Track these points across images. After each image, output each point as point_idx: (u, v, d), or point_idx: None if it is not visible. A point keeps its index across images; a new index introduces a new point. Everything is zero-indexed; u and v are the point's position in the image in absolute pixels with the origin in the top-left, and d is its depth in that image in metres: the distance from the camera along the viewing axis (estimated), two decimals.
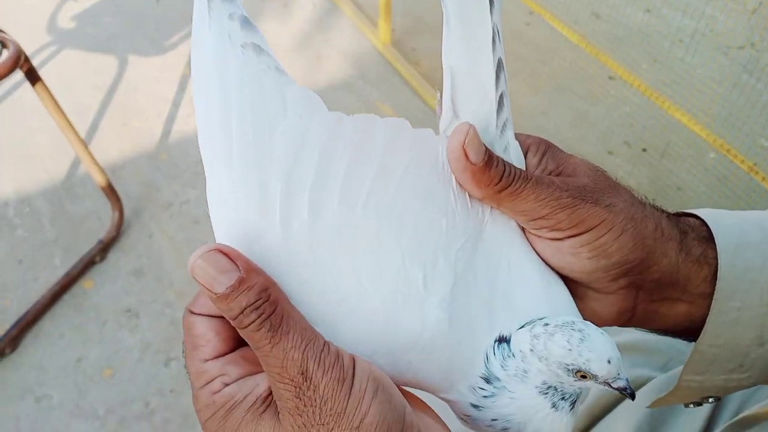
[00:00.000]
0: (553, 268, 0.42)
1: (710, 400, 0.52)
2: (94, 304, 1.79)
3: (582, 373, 0.36)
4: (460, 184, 0.39)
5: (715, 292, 0.44)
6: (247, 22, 0.38)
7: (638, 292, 0.44)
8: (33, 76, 1.60)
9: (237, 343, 0.38)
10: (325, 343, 0.34)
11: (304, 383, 0.33)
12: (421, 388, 0.40)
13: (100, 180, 1.86)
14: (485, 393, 0.38)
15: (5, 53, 1.49)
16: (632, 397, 0.38)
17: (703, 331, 0.45)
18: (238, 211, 0.36)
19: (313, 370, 0.33)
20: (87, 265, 1.85)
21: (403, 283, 0.37)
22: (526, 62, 2.61)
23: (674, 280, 0.44)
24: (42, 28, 2.77)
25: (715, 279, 0.44)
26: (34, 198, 2.07)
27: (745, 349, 0.46)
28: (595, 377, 0.36)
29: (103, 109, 2.41)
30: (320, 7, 2.98)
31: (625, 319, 0.46)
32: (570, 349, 0.36)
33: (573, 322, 0.37)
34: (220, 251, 0.34)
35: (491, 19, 0.40)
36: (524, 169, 0.42)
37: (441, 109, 0.43)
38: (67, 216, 2.02)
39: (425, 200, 0.38)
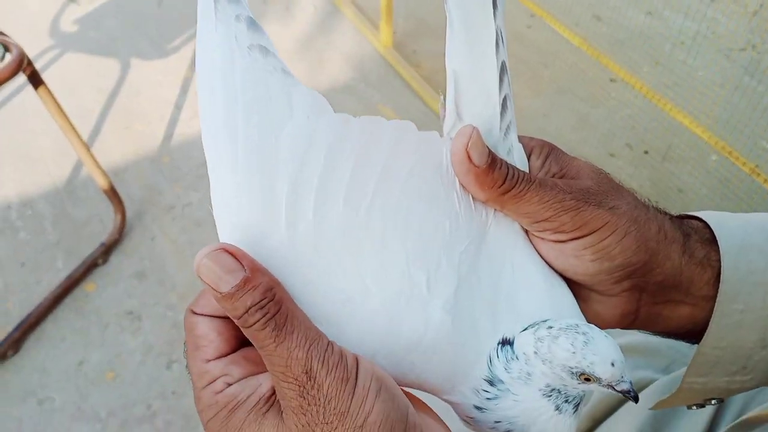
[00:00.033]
0: (556, 271, 0.42)
1: (713, 402, 0.52)
2: (96, 307, 1.79)
3: (586, 376, 0.36)
4: (464, 187, 0.39)
5: (719, 295, 0.44)
6: (253, 24, 0.38)
7: (641, 294, 0.44)
8: (36, 80, 1.61)
9: (239, 343, 0.38)
10: (329, 343, 0.34)
11: (308, 382, 0.33)
12: (423, 390, 0.40)
13: (102, 183, 1.86)
14: (489, 395, 0.39)
15: (8, 57, 1.49)
16: (636, 400, 0.38)
17: (706, 334, 0.45)
18: (244, 211, 0.36)
19: (317, 369, 0.33)
20: (89, 267, 1.85)
21: (407, 284, 0.37)
22: (527, 65, 2.61)
23: (677, 282, 0.44)
24: (44, 31, 2.78)
25: (719, 281, 0.44)
26: (37, 201, 2.08)
27: (748, 352, 0.46)
28: (598, 380, 0.36)
29: (106, 112, 2.41)
30: (322, 10, 2.98)
31: (629, 322, 0.46)
32: (574, 352, 0.36)
33: (577, 324, 0.37)
34: (226, 250, 0.34)
35: (495, 23, 0.40)
36: (527, 171, 0.42)
37: (444, 111, 0.43)
38: (70, 219, 2.02)
39: (429, 202, 0.38)
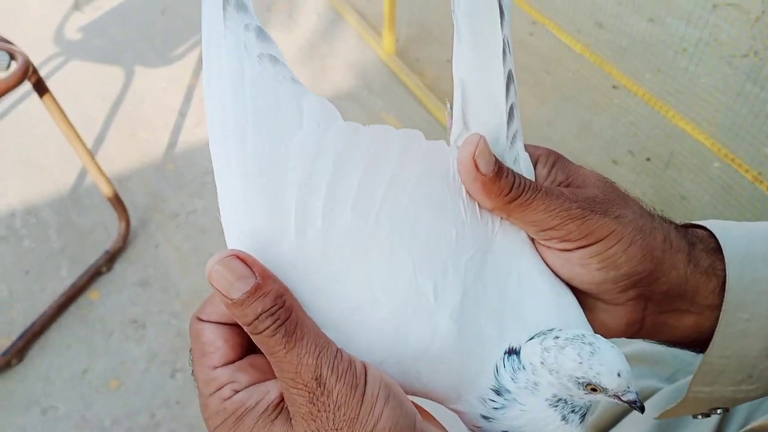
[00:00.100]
0: (562, 280, 0.43)
1: (718, 411, 0.52)
2: (101, 315, 1.79)
3: (592, 386, 0.36)
4: (471, 195, 0.40)
5: (724, 304, 0.44)
6: (262, 33, 0.38)
7: (647, 303, 0.44)
8: (41, 88, 1.61)
9: (245, 350, 0.39)
10: (338, 350, 0.34)
11: (318, 389, 0.33)
12: (430, 398, 0.40)
13: (106, 191, 1.87)
14: (495, 405, 0.39)
15: (14, 65, 1.50)
16: (641, 410, 0.38)
17: (711, 343, 0.46)
18: (252, 218, 0.36)
19: (326, 375, 0.33)
20: (93, 275, 1.86)
21: (414, 293, 0.37)
22: (530, 72, 2.62)
23: (683, 291, 0.44)
24: (48, 39, 2.79)
25: (724, 290, 0.44)
26: (41, 209, 2.08)
27: (753, 361, 0.46)
28: (605, 390, 0.36)
29: (110, 119, 2.42)
30: (325, 18, 2.99)
31: (634, 331, 0.46)
32: (581, 363, 0.36)
33: (583, 335, 0.37)
34: (238, 257, 0.34)
35: (501, 32, 0.41)
36: (534, 180, 0.43)
37: (451, 120, 0.43)
38: (74, 227, 2.03)
39: (436, 211, 0.39)
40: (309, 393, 0.33)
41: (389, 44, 2.68)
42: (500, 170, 0.39)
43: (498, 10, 0.40)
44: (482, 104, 0.41)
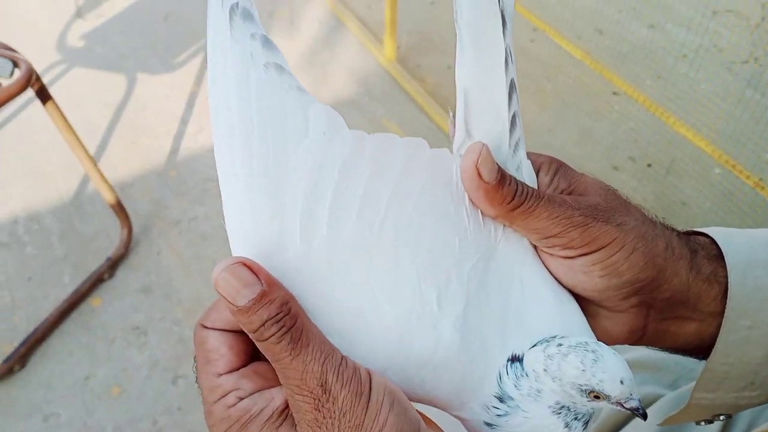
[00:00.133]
0: (565, 287, 0.43)
1: (721, 417, 0.52)
2: (103, 322, 1.80)
3: (595, 394, 0.36)
4: (474, 203, 0.40)
5: (726, 311, 0.45)
6: (268, 42, 0.38)
7: (649, 310, 0.45)
8: (44, 95, 1.62)
9: (249, 357, 0.39)
10: (343, 357, 0.35)
11: (323, 395, 0.33)
12: (434, 405, 0.40)
13: (109, 197, 1.87)
14: (499, 412, 0.39)
15: (17, 72, 1.51)
16: (644, 417, 0.38)
17: (714, 350, 0.46)
18: (258, 225, 0.37)
19: (332, 382, 0.33)
20: (95, 282, 1.86)
21: (418, 302, 0.37)
22: (531, 79, 2.62)
23: (685, 298, 0.44)
24: (51, 46, 2.80)
25: (726, 298, 0.45)
26: (44, 215, 2.09)
27: (755, 368, 0.46)
28: (608, 397, 0.36)
29: (113, 126, 2.43)
30: (326, 25, 3.00)
31: (637, 338, 0.46)
32: (584, 370, 0.36)
33: (586, 342, 0.37)
34: (244, 264, 0.34)
35: (504, 41, 0.41)
36: (536, 187, 0.43)
37: (454, 128, 0.43)
38: (77, 233, 2.03)
39: (440, 219, 0.39)
40: (314, 400, 0.33)
41: (390, 51, 2.69)
42: (503, 178, 0.39)
43: (500, 20, 0.40)
44: (485, 112, 0.42)
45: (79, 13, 3.00)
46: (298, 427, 0.35)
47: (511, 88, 0.42)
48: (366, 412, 0.33)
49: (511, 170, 0.42)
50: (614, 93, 2.48)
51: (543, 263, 0.43)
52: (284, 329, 0.33)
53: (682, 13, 2.85)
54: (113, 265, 1.90)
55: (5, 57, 1.51)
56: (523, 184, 0.41)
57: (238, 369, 0.38)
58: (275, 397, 0.36)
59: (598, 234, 0.41)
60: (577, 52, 2.22)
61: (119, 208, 1.91)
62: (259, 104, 0.37)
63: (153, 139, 2.38)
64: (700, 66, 2.44)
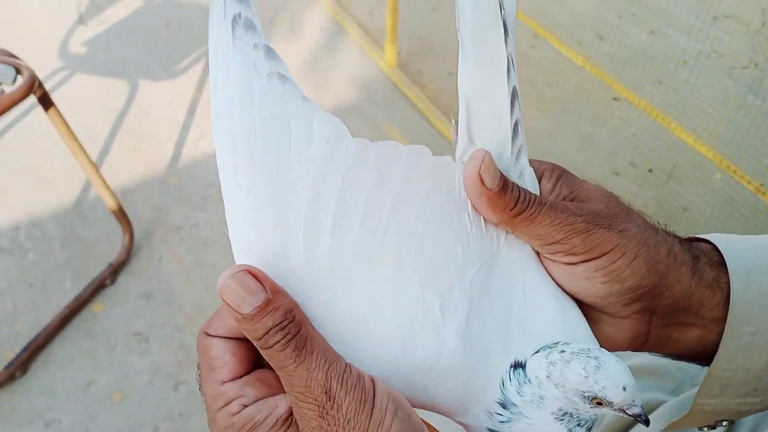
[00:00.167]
0: (567, 293, 0.43)
1: (724, 423, 0.52)
2: (104, 328, 1.80)
3: (598, 400, 0.36)
4: (477, 209, 0.40)
5: (728, 317, 0.45)
6: (270, 52, 0.39)
7: (651, 317, 0.45)
8: (46, 102, 1.62)
9: (253, 364, 0.39)
10: (347, 365, 0.35)
11: (328, 402, 0.33)
12: (437, 412, 0.40)
13: (111, 204, 1.87)
14: (502, 418, 0.39)
15: (20, 79, 1.51)
16: (647, 423, 0.38)
17: (716, 356, 0.46)
18: (261, 234, 0.37)
19: (336, 389, 0.33)
20: (97, 288, 1.86)
21: (421, 309, 0.37)
22: (531, 85, 2.63)
23: (687, 305, 0.45)
24: (54, 53, 2.81)
25: (728, 304, 0.45)
26: (46, 221, 2.09)
27: (758, 373, 0.46)
28: (610, 404, 0.36)
29: (115, 133, 2.43)
30: (327, 31, 3.01)
31: (639, 344, 0.46)
32: (586, 377, 0.36)
33: (589, 349, 0.37)
34: (249, 272, 0.35)
35: (506, 49, 0.41)
36: (539, 194, 0.43)
37: (456, 136, 0.44)
38: (78, 239, 2.03)
39: (443, 226, 0.39)
40: (319, 407, 0.33)
41: (391, 57, 2.70)
42: (505, 185, 0.40)
43: (502, 28, 0.41)
44: (487, 120, 0.42)
45: (81, 20, 3.01)
46: None
47: (513, 95, 0.42)
48: (370, 419, 0.33)
49: (513, 177, 0.42)
50: (615, 99, 2.49)
51: (545, 270, 0.43)
52: (288, 337, 0.34)
53: (683, 18, 2.86)
54: (115, 271, 1.90)
55: (8, 64, 1.52)
56: (526, 191, 0.41)
57: (241, 376, 0.38)
58: (279, 405, 0.36)
59: (600, 240, 0.41)
60: (577, 58, 2.23)
61: (121, 214, 1.91)
62: (262, 113, 0.37)
63: (155, 145, 2.39)
64: (700, 72, 2.45)
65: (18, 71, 1.52)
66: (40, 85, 1.57)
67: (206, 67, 2.47)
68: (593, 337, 0.43)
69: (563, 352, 0.37)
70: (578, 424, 0.38)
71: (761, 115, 2.19)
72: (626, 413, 0.37)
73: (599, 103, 2.49)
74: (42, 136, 2.30)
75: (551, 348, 0.38)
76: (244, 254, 0.37)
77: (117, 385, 1.67)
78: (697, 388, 0.49)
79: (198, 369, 0.40)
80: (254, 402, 0.37)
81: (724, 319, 0.45)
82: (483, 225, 0.41)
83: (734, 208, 2.03)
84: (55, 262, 1.96)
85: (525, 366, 0.39)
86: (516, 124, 0.42)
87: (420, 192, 0.39)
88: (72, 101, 2.48)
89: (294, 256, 0.36)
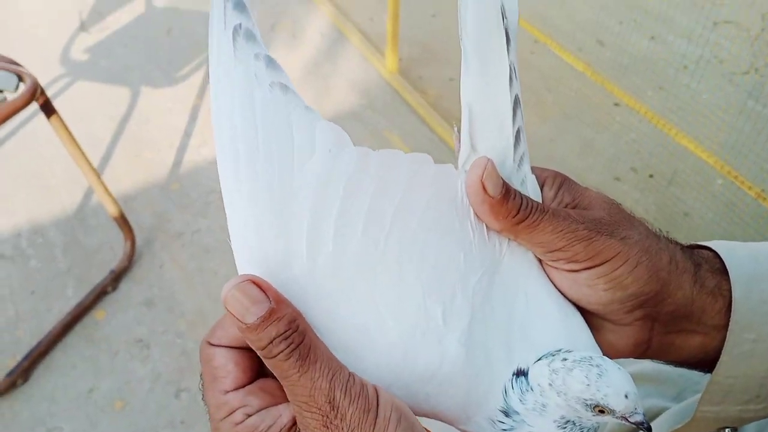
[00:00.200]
0: (570, 300, 0.43)
1: (726, 430, 0.52)
2: (106, 335, 1.80)
3: (600, 408, 0.36)
4: (479, 217, 0.40)
5: (730, 324, 0.45)
6: (272, 62, 0.39)
7: (654, 324, 0.45)
8: (48, 109, 1.63)
9: (255, 374, 0.39)
10: (350, 374, 0.35)
11: (332, 412, 0.33)
12: (440, 419, 0.40)
13: (112, 210, 1.88)
14: (504, 426, 0.39)
15: (22, 86, 1.52)
16: (649, 431, 0.38)
17: (718, 363, 0.46)
18: (264, 242, 0.37)
19: (340, 399, 0.33)
20: (99, 295, 1.86)
21: (423, 318, 0.37)
22: (532, 91, 2.63)
23: (689, 312, 0.45)
24: (56, 60, 2.82)
25: (730, 311, 0.45)
26: (48, 228, 2.09)
27: (760, 381, 0.46)
28: (612, 412, 0.36)
29: (116, 139, 2.44)
30: (328, 37, 3.02)
31: (641, 351, 0.46)
32: (588, 385, 0.36)
33: (591, 357, 0.37)
34: (253, 282, 0.35)
35: (508, 58, 0.41)
36: (541, 202, 0.43)
37: (459, 143, 0.44)
38: (80, 246, 2.03)
39: (445, 234, 0.39)
40: (323, 416, 0.33)
41: (392, 63, 2.70)
42: (508, 192, 0.40)
43: (504, 37, 0.41)
44: (489, 128, 0.42)
45: (83, 27, 3.02)
46: None
47: (516, 103, 0.42)
48: (374, 428, 0.33)
49: (515, 185, 0.42)
50: (616, 104, 2.49)
51: (548, 277, 0.43)
52: (292, 346, 0.34)
53: (683, 24, 2.86)
54: (116, 277, 1.90)
55: (10, 71, 1.52)
56: (528, 198, 0.41)
57: (244, 386, 0.38)
58: (282, 414, 0.36)
59: (602, 248, 0.41)
60: (578, 64, 2.23)
61: (122, 221, 1.91)
62: (264, 123, 0.38)
63: (156, 152, 2.39)
64: (701, 77, 2.45)
65: (20, 78, 1.53)
66: (43, 92, 1.57)
67: (207, 74, 2.47)
68: (595, 344, 0.43)
69: (565, 360, 0.37)
70: None
71: (762, 121, 2.19)
72: (628, 421, 0.37)
73: (600, 108, 2.49)
74: (44, 143, 2.31)
75: (553, 355, 0.38)
76: (246, 263, 0.37)
77: (118, 392, 1.67)
78: (699, 395, 0.49)
79: (201, 378, 0.40)
80: (257, 411, 0.37)
81: (725, 326, 0.45)
82: (485, 232, 0.41)
83: (735, 214, 2.03)
84: (56, 269, 1.96)
85: (527, 374, 0.39)
86: (518, 132, 0.42)
87: (422, 200, 0.39)
88: (74, 108, 2.49)
89: (296, 264, 0.36)
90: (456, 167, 0.42)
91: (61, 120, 1.66)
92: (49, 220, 2.11)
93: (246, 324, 0.34)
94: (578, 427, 0.38)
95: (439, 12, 3.12)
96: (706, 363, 0.47)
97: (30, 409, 1.63)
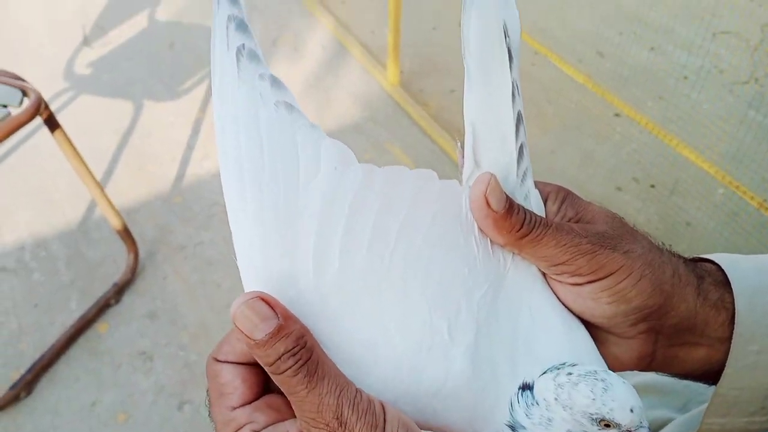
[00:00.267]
0: (574, 313, 0.43)
1: None
2: (109, 348, 1.80)
3: (606, 422, 0.37)
4: (483, 232, 0.41)
5: (734, 337, 0.45)
6: (276, 82, 0.39)
7: (657, 336, 0.45)
8: (52, 123, 1.64)
9: (262, 390, 0.39)
10: (357, 390, 0.35)
11: (339, 428, 0.34)
12: None
13: (115, 223, 1.88)
14: None
15: (26, 101, 1.53)
16: None
17: (723, 375, 0.46)
18: (270, 259, 0.37)
19: (347, 415, 0.34)
20: (102, 308, 1.86)
21: (428, 333, 0.38)
22: (532, 102, 2.64)
23: (692, 324, 0.45)
24: (59, 74, 2.83)
25: (733, 323, 0.45)
26: (51, 241, 2.10)
27: (765, 392, 0.46)
28: (618, 426, 0.37)
29: (119, 153, 2.45)
30: (329, 50, 3.03)
31: (646, 364, 0.46)
32: (594, 399, 0.36)
33: (596, 371, 0.37)
34: (261, 298, 0.35)
35: (511, 75, 0.42)
36: (544, 216, 0.43)
37: (462, 159, 0.44)
38: (84, 259, 2.04)
39: (450, 250, 0.39)
40: None
41: (393, 76, 2.72)
42: (511, 207, 0.40)
43: (507, 55, 0.41)
44: (493, 144, 0.42)
45: (86, 42, 3.04)
46: None
47: (518, 120, 0.42)
48: None
49: (519, 199, 0.42)
50: (616, 115, 2.50)
51: (552, 291, 0.43)
52: (300, 362, 0.34)
53: (683, 35, 2.87)
54: (120, 290, 1.91)
55: (15, 86, 1.53)
56: (531, 213, 0.41)
57: (251, 402, 0.38)
58: (289, 430, 0.37)
59: (605, 261, 0.41)
60: (578, 76, 2.24)
61: (125, 234, 1.92)
62: (269, 142, 0.38)
63: (159, 165, 2.40)
64: (701, 87, 2.46)
65: (24, 93, 1.53)
66: (47, 107, 1.58)
67: (209, 87, 2.49)
68: (600, 357, 0.43)
69: (570, 374, 0.38)
70: None
71: (762, 131, 2.19)
72: None
73: (601, 119, 2.50)
74: (47, 157, 2.32)
75: (558, 369, 0.39)
76: (252, 280, 0.38)
77: (121, 405, 1.67)
78: (704, 406, 0.49)
79: (207, 395, 0.40)
80: (264, 428, 0.37)
81: (729, 338, 0.45)
82: (489, 247, 0.41)
83: (737, 224, 2.03)
84: (60, 282, 1.97)
85: (533, 387, 0.39)
86: (521, 148, 0.43)
87: (427, 216, 0.39)
88: (77, 122, 2.50)
89: (303, 281, 0.37)
90: (460, 182, 0.43)
91: (64, 134, 1.67)
92: (53, 234, 2.12)
93: (255, 340, 0.34)
94: None
95: (440, 25, 3.14)
96: (711, 375, 0.47)
97: (33, 422, 1.63)
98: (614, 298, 0.42)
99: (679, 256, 0.46)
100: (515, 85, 0.42)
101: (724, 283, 0.46)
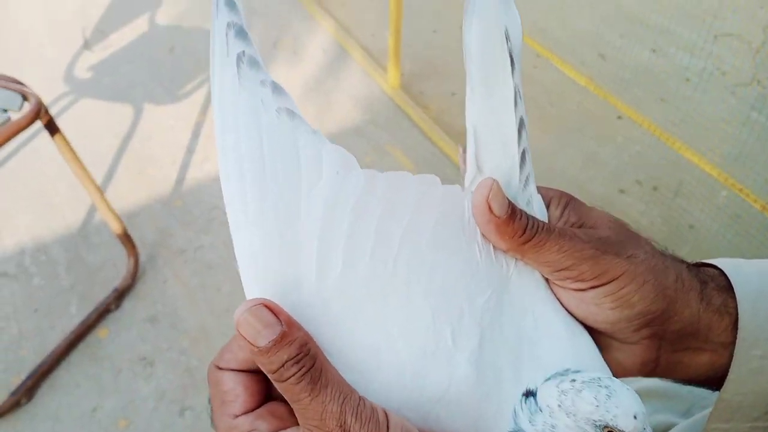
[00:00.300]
0: (577, 319, 0.43)
1: None
2: (109, 353, 1.79)
3: (609, 429, 0.36)
4: (486, 237, 0.40)
5: (737, 342, 0.44)
6: (277, 88, 0.39)
7: (661, 342, 0.45)
8: (52, 128, 1.64)
9: (264, 397, 0.39)
10: (361, 398, 0.35)
11: None
12: None
13: (116, 227, 1.88)
14: None
15: (26, 106, 1.53)
16: None
17: (726, 380, 0.45)
18: (272, 265, 0.37)
19: (351, 423, 0.33)
20: (102, 313, 1.86)
21: (432, 339, 0.37)
22: (534, 105, 2.64)
23: (696, 330, 0.44)
24: (59, 78, 2.84)
25: (737, 328, 0.44)
26: (51, 246, 2.09)
27: None
28: None
29: (119, 157, 2.45)
30: (330, 53, 3.04)
31: (649, 370, 0.46)
32: (597, 405, 0.36)
33: (599, 378, 0.37)
34: (265, 305, 0.35)
35: (513, 80, 0.42)
36: (547, 221, 0.43)
37: (464, 164, 0.44)
38: (84, 264, 2.04)
39: (453, 255, 0.39)
40: None
41: (394, 78, 2.72)
42: (514, 212, 0.40)
43: (509, 60, 0.41)
44: (495, 149, 0.42)
45: (86, 45, 3.04)
46: None
47: (521, 125, 0.42)
48: None
49: (521, 204, 0.42)
50: (618, 117, 2.50)
51: (555, 296, 0.43)
52: (304, 370, 0.34)
53: (684, 37, 2.87)
54: (120, 295, 1.91)
55: (15, 91, 1.53)
56: (534, 218, 0.41)
57: (253, 410, 0.38)
58: None
59: (608, 266, 0.41)
60: (580, 78, 2.24)
61: (126, 238, 1.92)
62: (271, 148, 0.38)
63: (159, 168, 2.40)
64: (703, 89, 2.45)
65: (24, 98, 1.53)
66: (47, 111, 1.58)
67: (209, 91, 2.50)
68: (603, 363, 0.42)
69: (574, 381, 0.37)
70: None
71: (765, 132, 2.19)
72: None
73: (603, 121, 2.50)
74: (47, 161, 2.32)
75: (562, 376, 0.38)
76: (254, 286, 0.37)
77: (122, 411, 1.67)
78: (707, 411, 0.49)
79: (209, 402, 0.40)
80: None
81: (733, 343, 0.45)
82: (492, 253, 0.41)
83: (741, 226, 2.03)
84: (60, 287, 1.96)
85: (536, 394, 0.39)
86: (523, 153, 0.43)
87: (429, 221, 0.39)
88: (77, 126, 2.50)
89: (305, 287, 0.37)
90: (462, 187, 0.42)
91: (64, 138, 1.67)
92: (53, 238, 2.12)
93: (258, 347, 0.34)
94: None
95: (441, 27, 3.14)
96: (715, 380, 0.47)
97: (34, 429, 1.62)
98: (617, 303, 0.42)
99: (682, 261, 0.46)
100: (517, 90, 0.42)
101: (727, 287, 0.46)
